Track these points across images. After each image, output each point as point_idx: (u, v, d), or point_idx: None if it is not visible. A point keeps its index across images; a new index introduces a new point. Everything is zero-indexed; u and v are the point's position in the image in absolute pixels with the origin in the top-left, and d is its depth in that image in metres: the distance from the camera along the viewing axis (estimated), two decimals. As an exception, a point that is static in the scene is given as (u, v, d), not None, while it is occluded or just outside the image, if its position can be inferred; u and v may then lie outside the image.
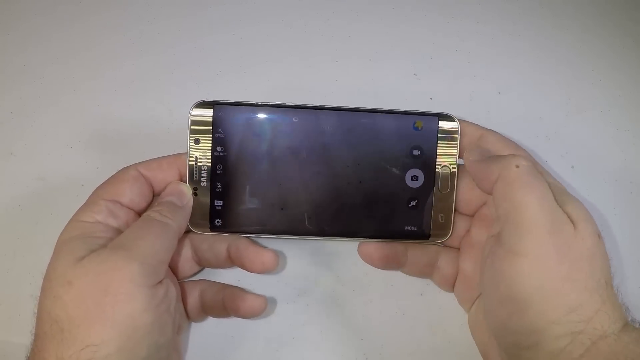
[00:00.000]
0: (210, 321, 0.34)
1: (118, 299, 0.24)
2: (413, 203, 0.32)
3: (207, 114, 0.31)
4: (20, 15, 0.43)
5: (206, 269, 0.35)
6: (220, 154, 0.31)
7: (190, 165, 0.31)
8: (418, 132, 0.32)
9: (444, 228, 0.32)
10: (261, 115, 0.31)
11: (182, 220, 0.29)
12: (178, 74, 0.41)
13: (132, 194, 0.29)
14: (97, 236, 0.27)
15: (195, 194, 0.31)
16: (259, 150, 0.31)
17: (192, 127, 0.31)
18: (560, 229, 0.25)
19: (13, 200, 0.37)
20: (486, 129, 0.32)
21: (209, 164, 0.31)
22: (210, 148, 0.31)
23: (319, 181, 0.32)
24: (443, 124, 0.32)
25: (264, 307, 0.32)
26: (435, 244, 0.33)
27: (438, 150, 0.32)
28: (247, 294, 0.32)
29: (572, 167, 0.38)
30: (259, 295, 0.32)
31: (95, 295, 0.24)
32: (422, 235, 0.33)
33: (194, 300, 0.32)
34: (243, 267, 0.32)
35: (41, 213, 0.37)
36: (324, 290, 0.35)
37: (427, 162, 0.32)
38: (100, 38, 0.42)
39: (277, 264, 0.32)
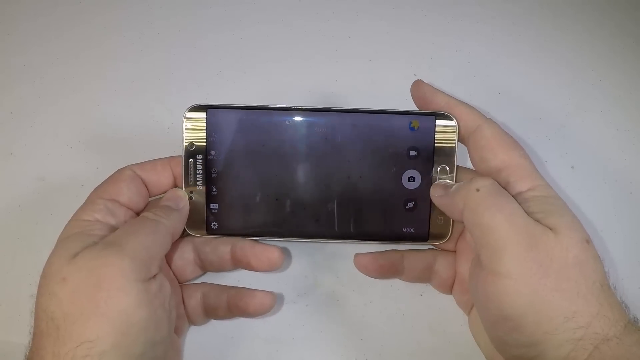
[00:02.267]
0: (210, 321, 0.34)
1: (111, 294, 0.24)
2: (410, 205, 0.32)
3: (200, 117, 0.31)
4: (21, 15, 0.43)
5: (207, 274, 0.35)
6: (215, 157, 0.31)
7: (185, 169, 0.31)
8: (414, 132, 0.31)
9: (443, 229, 0.32)
10: (255, 118, 0.31)
11: (176, 220, 0.30)
12: (178, 74, 0.41)
13: (129, 193, 0.30)
14: (94, 234, 0.27)
15: (191, 198, 0.31)
16: (253, 153, 0.31)
17: (186, 130, 0.31)
18: (538, 242, 0.25)
19: (13, 200, 0.37)
20: (485, 118, 0.30)
21: (204, 168, 0.31)
22: (205, 152, 0.31)
23: (314, 184, 0.32)
24: (440, 123, 0.31)
25: (274, 303, 0.32)
26: (434, 246, 0.33)
27: (435, 151, 0.31)
28: (256, 291, 0.32)
29: (572, 167, 0.38)
30: (267, 291, 0.32)
31: (89, 291, 0.24)
32: (420, 237, 0.32)
33: (195, 302, 0.32)
34: (249, 266, 0.32)
35: (41, 213, 0.37)
36: (324, 290, 0.35)
37: (424, 163, 0.32)
38: (101, 38, 0.42)
39: (282, 261, 0.32)
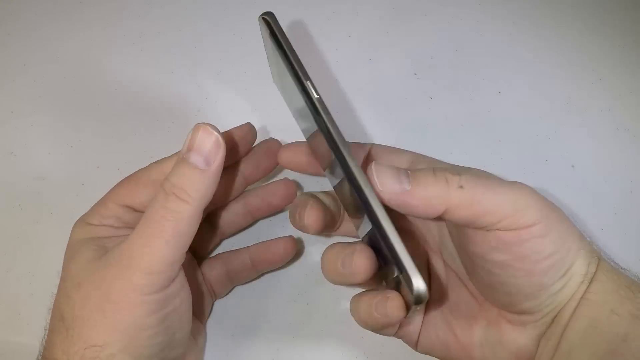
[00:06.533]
0: (210, 320, 0.34)
1: (119, 307, 0.24)
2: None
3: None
4: (20, 14, 0.43)
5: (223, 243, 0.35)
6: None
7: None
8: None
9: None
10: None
11: (205, 190, 0.24)
12: (178, 74, 0.41)
13: (146, 199, 0.26)
14: (107, 238, 0.26)
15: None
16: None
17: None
18: (539, 196, 0.26)
19: (13, 200, 0.37)
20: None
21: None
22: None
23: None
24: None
25: (296, 246, 0.33)
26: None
27: None
28: (277, 239, 0.32)
29: (573, 166, 0.38)
30: (287, 236, 0.33)
31: (98, 300, 0.24)
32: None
33: (217, 273, 0.33)
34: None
35: (41, 212, 0.37)
36: (324, 289, 0.35)
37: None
38: (100, 38, 0.42)
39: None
